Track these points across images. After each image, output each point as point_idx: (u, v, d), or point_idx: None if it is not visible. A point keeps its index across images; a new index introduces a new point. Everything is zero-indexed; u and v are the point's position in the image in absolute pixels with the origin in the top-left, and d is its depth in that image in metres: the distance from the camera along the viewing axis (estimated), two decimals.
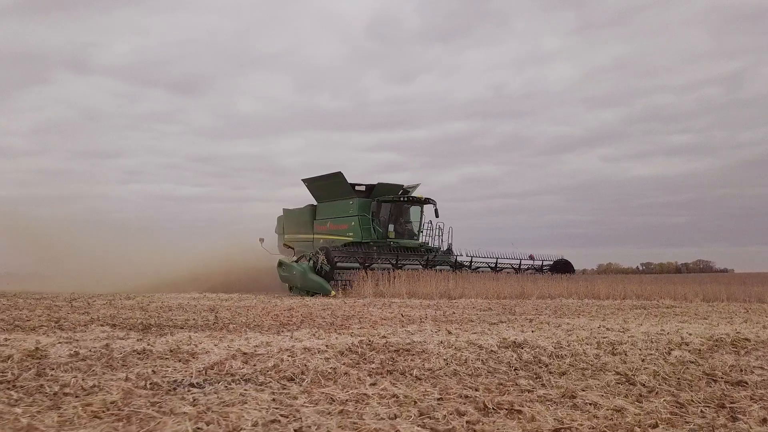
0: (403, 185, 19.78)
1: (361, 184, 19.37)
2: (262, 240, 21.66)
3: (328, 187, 19.22)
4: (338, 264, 14.68)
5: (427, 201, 18.45)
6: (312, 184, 19.93)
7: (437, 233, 18.92)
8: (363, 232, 18.06)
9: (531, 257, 19.65)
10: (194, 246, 23.95)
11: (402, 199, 18.31)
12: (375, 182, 19.89)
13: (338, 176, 18.62)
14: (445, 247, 19.01)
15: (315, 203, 20.34)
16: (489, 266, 17.42)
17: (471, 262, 17.04)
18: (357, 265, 15.10)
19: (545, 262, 18.97)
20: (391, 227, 18.21)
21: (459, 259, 17.61)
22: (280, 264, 15.62)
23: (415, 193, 19.88)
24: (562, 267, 18.57)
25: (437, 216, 18.51)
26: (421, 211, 18.78)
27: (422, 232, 18.90)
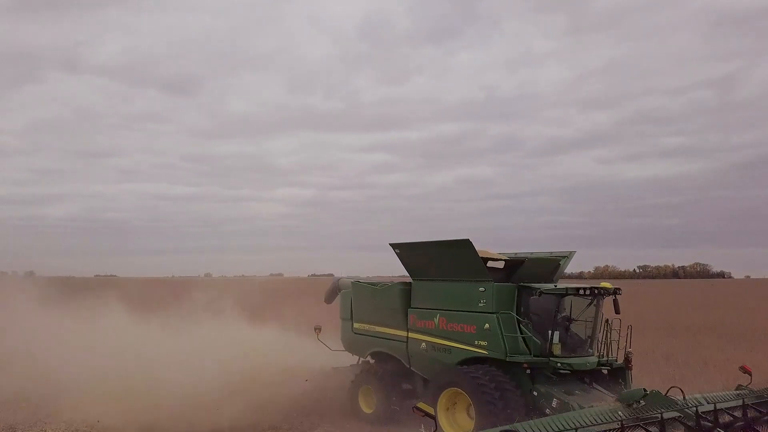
0: (558, 260, 12.37)
1: (498, 259, 11.97)
2: (318, 329, 14.23)
3: (441, 259, 11.76)
4: None
5: (616, 292, 11.14)
6: (409, 252, 12.42)
7: (608, 335, 11.68)
8: (507, 342, 10.70)
9: (746, 369, 12.45)
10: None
11: (581, 292, 10.91)
12: (517, 252, 12.66)
13: (463, 246, 11.17)
14: (621, 359, 11.76)
15: (409, 280, 12.82)
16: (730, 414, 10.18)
17: (715, 412, 9.64)
18: None
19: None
20: (555, 337, 10.81)
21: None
22: None
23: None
24: None
25: (617, 311, 11.19)
26: (599, 307, 11.43)
27: (598, 340, 11.56)
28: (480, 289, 11.15)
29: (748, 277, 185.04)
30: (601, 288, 10.91)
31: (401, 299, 12.57)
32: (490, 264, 11.67)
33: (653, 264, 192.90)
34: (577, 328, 11.35)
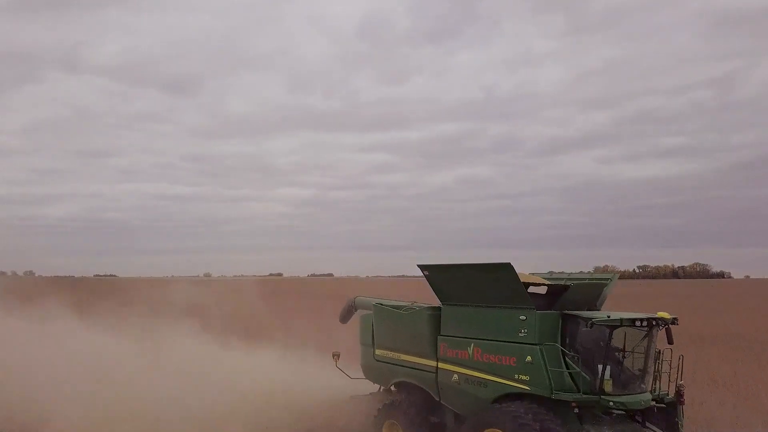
0: (604, 283, 11.27)
1: (539, 283, 10.89)
2: (336, 356, 13.14)
3: (477, 283, 10.66)
4: None
5: (673, 322, 10.08)
6: (440, 275, 11.31)
7: (659, 368, 10.61)
8: (551, 377, 9.62)
9: None
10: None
11: (637, 323, 9.81)
12: (552, 272, 11.62)
13: (504, 270, 10.09)
14: (671, 392, 10.70)
15: (439, 304, 11.70)
16: None
17: None
18: None
19: None
20: (607, 372, 9.73)
21: None
22: None
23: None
24: None
25: (671, 342, 10.13)
26: (653, 338, 10.34)
27: (650, 373, 10.46)
28: (521, 317, 10.07)
29: (748, 277, 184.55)
30: (659, 318, 9.82)
31: (430, 325, 11.46)
32: (531, 289, 10.58)
33: (653, 264, 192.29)
34: (628, 362, 10.27)
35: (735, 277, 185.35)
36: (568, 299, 10.39)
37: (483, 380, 10.44)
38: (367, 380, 13.13)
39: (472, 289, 10.73)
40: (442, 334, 11.29)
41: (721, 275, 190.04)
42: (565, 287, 10.67)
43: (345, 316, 15.20)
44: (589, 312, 10.25)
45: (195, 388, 13.39)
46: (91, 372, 13.97)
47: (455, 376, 10.90)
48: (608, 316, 9.61)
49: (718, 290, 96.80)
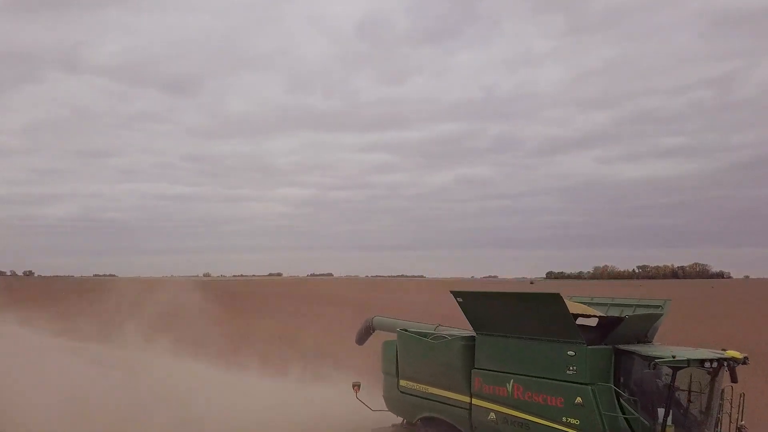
0: (660, 314, 10.15)
1: (590, 315, 9.78)
2: (357, 387, 12.04)
3: (520, 313, 9.55)
4: None
5: (745, 361, 8.97)
6: (477, 303, 10.19)
7: (721, 408, 9.51)
8: (606, 423, 8.52)
9: None
10: None
11: (706, 365, 8.69)
12: (593, 298, 10.65)
13: (552, 301, 8.99)
14: None
15: (472, 333, 10.58)
16: None
17: None
18: None
19: None
20: (669, 417, 8.63)
21: None
22: None
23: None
24: None
25: (735, 381, 9.05)
26: (719, 378, 9.23)
27: (713, 416, 9.35)
28: (569, 352, 8.96)
29: (747, 277, 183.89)
30: (730, 359, 8.71)
31: (463, 357, 10.34)
32: (580, 321, 9.48)
33: (653, 264, 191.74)
34: (692, 405, 9.18)
35: (734, 277, 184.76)
36: (620, 332, 9.28)
37: (525, 421, 9.34)
38: (389, 412, 12.03)
39: (513, 320, 9.62)
40: (476, 367, 10.18)
41: (720, 275, 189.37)
42: (619, 319, 9.56)
43: (362, 338, 14.13)
44: (644, 346, 9.16)
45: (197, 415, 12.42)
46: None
47: (492, 414, 9.80)
48: (673, 355, 8.49)
49: (717, 291, 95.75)
